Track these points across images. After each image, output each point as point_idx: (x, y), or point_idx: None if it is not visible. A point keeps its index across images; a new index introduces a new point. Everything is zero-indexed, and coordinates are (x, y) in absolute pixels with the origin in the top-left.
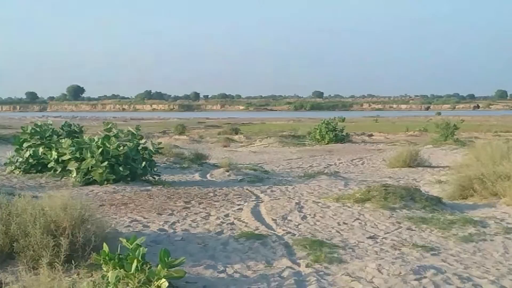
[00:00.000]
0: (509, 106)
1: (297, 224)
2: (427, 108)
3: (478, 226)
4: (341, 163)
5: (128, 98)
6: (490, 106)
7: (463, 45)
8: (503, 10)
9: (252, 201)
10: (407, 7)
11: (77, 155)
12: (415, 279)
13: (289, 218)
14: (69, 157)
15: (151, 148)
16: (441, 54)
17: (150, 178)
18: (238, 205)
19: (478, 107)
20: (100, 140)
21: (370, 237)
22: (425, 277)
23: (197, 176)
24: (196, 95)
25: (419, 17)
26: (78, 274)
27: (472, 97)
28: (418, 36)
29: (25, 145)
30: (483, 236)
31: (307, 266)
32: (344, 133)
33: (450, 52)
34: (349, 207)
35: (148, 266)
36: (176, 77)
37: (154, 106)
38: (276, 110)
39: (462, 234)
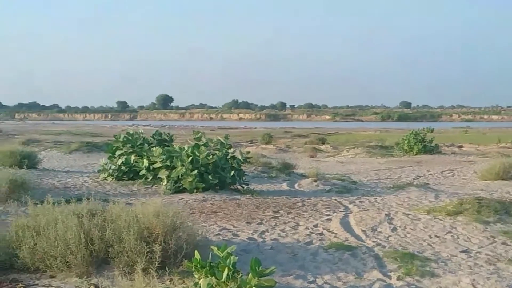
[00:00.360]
0: None
1: (387, 235)
2: None
3: None
4: (431, 174)
5: (215, 107)
6: None
7: None
8: None
9: (341, 211)
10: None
11: (168, 163)
12: None
13: (379, 229)
14: (160, 165)
15: (239, 157)
16: None
17: (239, 187)
18: (327, 215)
19: None
20: (190, 148)
21: (463, 251)
22: None
23: (285, 186)
24: (283, 105)
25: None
26: (171, 281)
27: None
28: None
29: (117, 153)
30: None
31: (398, 279)
32: (433, 144)
33: None
34: (440, 219)
35: (239, 274)
36: (262, 86)
37: (241, 115)
38: (363, 120)
39: None
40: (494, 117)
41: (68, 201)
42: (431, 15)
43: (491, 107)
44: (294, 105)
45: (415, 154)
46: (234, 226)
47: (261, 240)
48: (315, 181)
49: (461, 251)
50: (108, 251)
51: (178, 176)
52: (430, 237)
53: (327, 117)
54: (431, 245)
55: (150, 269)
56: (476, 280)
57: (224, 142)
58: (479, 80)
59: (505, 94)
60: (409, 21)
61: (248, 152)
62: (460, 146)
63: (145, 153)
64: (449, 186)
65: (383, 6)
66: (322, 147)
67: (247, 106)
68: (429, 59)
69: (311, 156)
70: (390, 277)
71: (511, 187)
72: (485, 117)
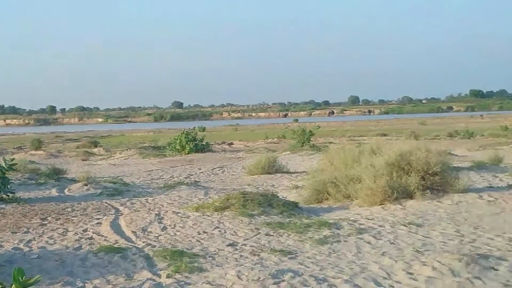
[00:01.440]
0: (362, 111)
1: (157, 235)
2: (285, 115)
3: (333, 228)
4: (202, 172)
5: None
6: (344, 111)
7: (316, 53)
8: (351, 15)
9: (112, 214)
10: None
11: None
12: (274, 283)
13: (149, 229)
14: None
15: (3, 164)
16: (296, 62)
17: (4, 196)
18: (97, 219)
19: (333, 113)
20: None
21: (230, 245)
22: (283, 281)
23: (54, 192)
24: (53, 109)
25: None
26: None
27: (327, 103)
28: (273, 43)
29: None
30: (337, 237)
31: (167, 277)
32: (204, 143)
33: (304, 59)
34: (208, 216)
35: (2, 286)
36: (30, 91)
37: (8, 121)
38: (136, 122)
39: (318, 237)
40: (262, 114)
41: None
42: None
43: (258, 105)
44: (65, 109)
45: (187, 153)
46: None
47: (28, 249)
48: (86, 185)
49: (227, 245)
50: None
51: None
52: (199, 234)
53: (100, 119)
54: (199, 241)
55: None
56: (241, 271)
57: None
58: (246, 79)
59: (271, 92)
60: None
61: (13, 159)
62: (231, 144)
63: None
64: (218, 183)
65: None
66: (95, 150)
67: (14, 111)
68: (198, 61)
69: (83, 160)
70: (159, 276)
71: (275, 180)
72: (253, 114)
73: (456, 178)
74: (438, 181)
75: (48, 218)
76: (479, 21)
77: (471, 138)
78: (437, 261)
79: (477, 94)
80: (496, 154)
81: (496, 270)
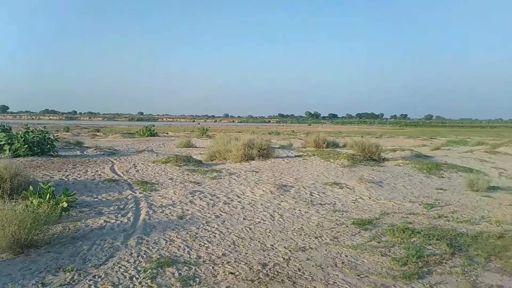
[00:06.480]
0: (229, 120)
1: (134, 174)
2: (193, 121)
3: (218, 172)
4: (154, 145)
5: None
6: (221, 120)
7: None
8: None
9: (110, 163)
10: None
11: (9, 141)
12: (191, 195)
13: (129, 171)
14: (4, 142)
15: (52, 138)
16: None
17: (53, 153)
18: (102, 166)
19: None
20: (22, 133)
21: (170, 179)
22: (195, 194)
23: (78, 152)
24: (75, 112)
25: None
26: (16, 201)
27: (227, 116)
28: None
29: None
30: (220, 176)
31: (140, 193)
32: (154, 132)
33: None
34: (159, 165)
35: (56, 196)
36: (58, 97)
37: (50, 116)
38: (120, 120)
39: (211, 175)
40: (183, 119)
41: None
42: None
43: (182, 115)
44: (81, 112)
45: (146, 136)
46: (50, 173)
47: (67, 179)
48: (95, 149)
49: (169, 179)
50: None
51: (15, 148)
52: (154, 173)
53: (100, 118)
54: (155, 177)
55: (4, 196)
56: (176, 190)
57: (43, 130)
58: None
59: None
60: None
61: (57, 135)
62: (167, 133)
63: None
64: (163, 150)
65: None
66: (98, 133)
67: (54, 112)
68: None
69: (92, 138)
70: (136, 192)
71: (190, 150)
72: (183, 120)
73: (273, 152)
74: (265, 153)
75: (77, 165)
76: None
77: (279, 134)
78: (265, 187)
79: (312, 115)
80: (289, 142)
81: (289, 191)
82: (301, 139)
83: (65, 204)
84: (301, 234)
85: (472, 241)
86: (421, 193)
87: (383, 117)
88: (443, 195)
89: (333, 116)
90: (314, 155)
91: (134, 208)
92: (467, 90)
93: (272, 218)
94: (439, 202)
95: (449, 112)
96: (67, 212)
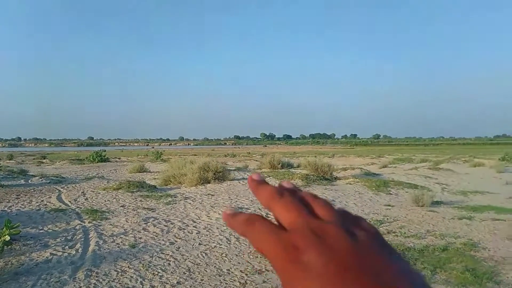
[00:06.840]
0: (185, 143)
1: (82, 202)
2: (148, 145)
3: (172, 197)
4: (105, 172)
5: None
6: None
7: None
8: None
9: (56, 192)
10: None
11: None
12: (144, 222)
13: (78, 200)
14: None
15: None
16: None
17: None
18: (48, 195)
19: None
20: None
21: (122, 206)
22: (149, 221)
23: (22, 181)
24: (19, 138)
25: None
26: None
27: (182, 139)
28: None
29: None
30: (175, 201)
31: (89, 222)
32: (105, 157)
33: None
34: (110, 192)
35: None
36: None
37: None
38: (68, 146)
39: (166, 201)
40: (136, 144)
41: None
42: None
43: (135, 139)
44: (26, 138)
45: (97, 162)
46: None
47: (10, 210)
48: (41, 178)
49: (120, 206)
50: None
51: None
52: (105, 201)
53: (46, 145)
54: (106, 205)
55: None
56: (128, 218)
57: None
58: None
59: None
60: None
61: None
62: (119, 158)
63: None
64: (114, 176)
65: None
66: (44, 160)
67: None
68: None
69: (37, 165)
70: (84, 221)
71: (144, 175)
72: (136, 144)
73: (228, 174)
74: (221, 175)
75: (20, 195)
76: None
77: (235, 156)
78: (221, 211)
79: (268, 136)
80: (245, 164)
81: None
82: (256, 160)
83: (7, 238)
84: (257, 257)
85: (419, 255)
86: (371, 210)
87: (335, 137)
88: (391, 211)
89: (287, 137)
90: (269, 176)
91: (82, 239)
92: (411, 111)
93: (228, 242)
94: (387, 218)
95: (395, 132)
96: (9, 246)
